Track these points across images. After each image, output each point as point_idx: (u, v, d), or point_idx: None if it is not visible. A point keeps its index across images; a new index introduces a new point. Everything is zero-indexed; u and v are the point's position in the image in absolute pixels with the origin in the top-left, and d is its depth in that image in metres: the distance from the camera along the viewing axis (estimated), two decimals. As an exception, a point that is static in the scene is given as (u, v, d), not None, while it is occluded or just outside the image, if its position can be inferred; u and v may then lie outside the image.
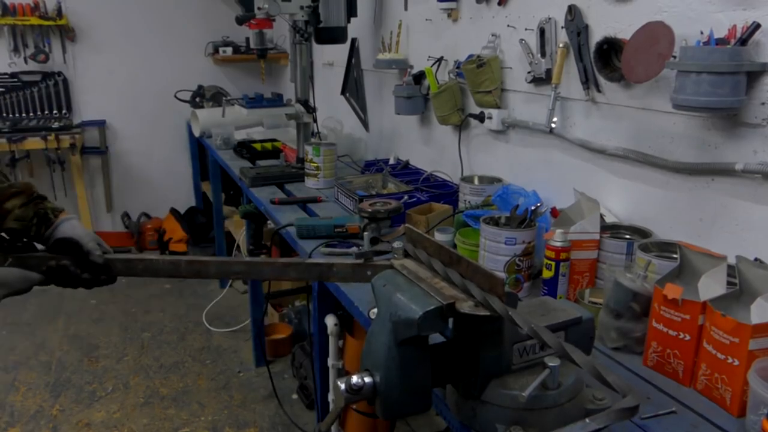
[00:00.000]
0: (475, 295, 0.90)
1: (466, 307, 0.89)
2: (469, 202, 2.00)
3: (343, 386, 0.91)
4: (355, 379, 0.92)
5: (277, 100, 3.19)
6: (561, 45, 1.73)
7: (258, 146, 3.21)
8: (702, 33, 1.33)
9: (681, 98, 1.30)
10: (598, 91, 1.67)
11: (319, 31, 2.62)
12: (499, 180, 2.07)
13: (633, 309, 1.25)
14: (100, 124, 4.63)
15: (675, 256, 1.26)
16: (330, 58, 3.45)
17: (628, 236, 1.51)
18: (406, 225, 1.23)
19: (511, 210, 1.60)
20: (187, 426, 2.80)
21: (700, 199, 1.45)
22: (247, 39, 4.19)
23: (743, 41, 1.25)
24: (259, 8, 2.49)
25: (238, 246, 3.87)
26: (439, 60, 2.35)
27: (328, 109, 3.31)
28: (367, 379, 0.93)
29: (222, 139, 3.38)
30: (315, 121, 2.82)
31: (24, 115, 4.48)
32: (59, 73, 4.48)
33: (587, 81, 1.68)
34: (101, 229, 4.78)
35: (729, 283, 1.16)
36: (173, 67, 4.72)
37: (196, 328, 3.68)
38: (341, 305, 1.64)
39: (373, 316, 1.18)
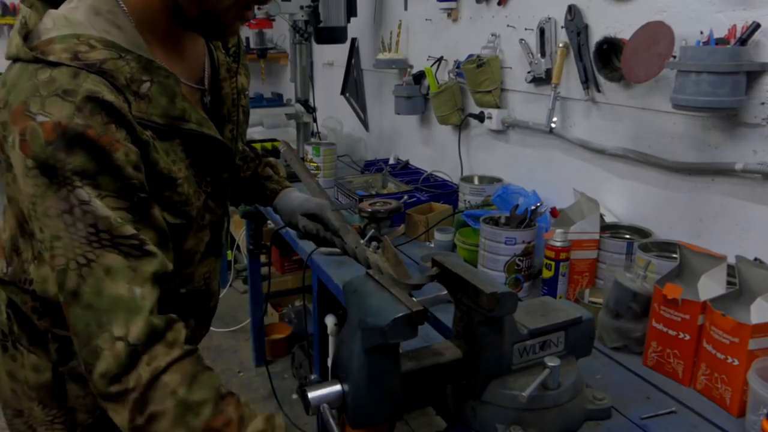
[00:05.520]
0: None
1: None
2: (468, 202, 2.00)
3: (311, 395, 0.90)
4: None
5: (277, 100, 3.20)
6: (561, 45, 1.73)
7: (258, 146, 3.21)
8: (702, 33, 1.33)
9: (681, 98, 1.30)
10: (598, 91, 1.67)
11: (319, 31, 2.62)
12: (498, 180, 2.07)
13: (633, 309, 1.25)
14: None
15: (675, 256, 1.26)
16: (330, 58, 3.45)
17: (627, 236, 1.51)
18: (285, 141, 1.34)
19: (510, 210, 1.60)
20: (186, 426, 2.79)
21: (700, 199, 1.45)
22: (247, 39, 4.19)
23: (743, 41, 1.25)
24: (258, 8, 2.49)
25: (238, 246, 3.87)
26: (439, 60, 2.34)
27: (328, 109, 3.31)
28: (336, 387, 0.91)
29: (222, 139, 3.37)
30: (315, 121, 2.82)
31: (24, 114, 4.47)
32: (59, 73, 4.47)
33: (587, 81, 1.68)
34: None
35: (729, 283, 1.16)
36: (173, 67, 4.71)
37: (195, 328, 3.68)
38: (341, 305, 1.64)
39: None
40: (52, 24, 0.81)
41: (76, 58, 0.77)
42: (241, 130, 1.11)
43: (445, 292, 1.04)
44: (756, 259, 1.21)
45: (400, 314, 0.85)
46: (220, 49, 1.05)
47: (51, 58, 0.77)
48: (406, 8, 2.58)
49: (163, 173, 0.85)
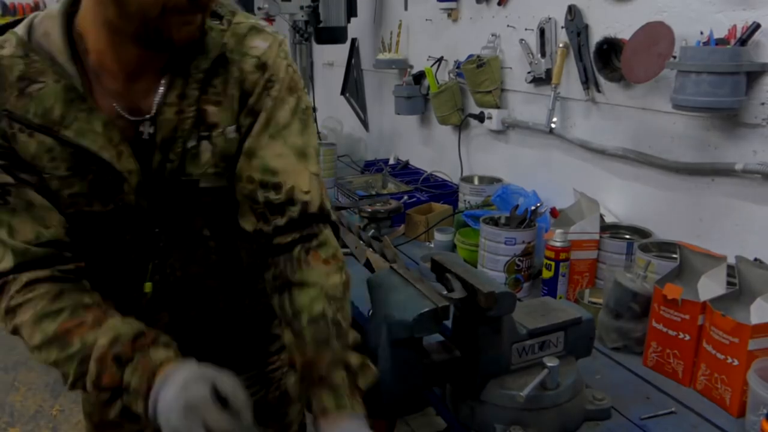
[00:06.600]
0: None
1: None
2: (468, 202, 2.00)
3: None
4: None
5: (277, 100, 3.19)
6: (561, 45, 1.73)
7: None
8: (702, 33, 1.33)
9: (681, 98, 1.30)
10: (598, 91, 1.67)
11: (319, 31, 2.62)
12: (498, 180, 2.07)
13: (633, 309, 1.24)
14: (101, 124, 4.62)
15: (675, 256, 1.26)
16: (330, 58, 3.45)
17: (627, 236, 1.51)
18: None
19: (510, 210, 1.60)
20: (186, 426, 2.79)
21: (700, 199, 1.45)
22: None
23: (743, 41, 1.25)
24: (259, 8, 2.49)
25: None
26: (439, 60, 2.34)
27: (328, 109, 3.31)
28: None
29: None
30: (315, 121, 2.82)
31: (24, 114, 4.48)
32: (59, 73, 4.48)
33: (587, 81, 1.67)
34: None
35: (729, 283, 1.16)
36: (173, 67, 4.70)
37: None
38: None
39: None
40: (25, 21, 0.93)
41: None
42: (200, 170, 0.91)
43: (445, 291, 1.04)
44: (756, 259, 1.21)
45: (426, 309, 0.88)
46: (195, 77, 0.90)
47: None
48: (406, 8, 2.58)
49: (26, 160, 0.88)
